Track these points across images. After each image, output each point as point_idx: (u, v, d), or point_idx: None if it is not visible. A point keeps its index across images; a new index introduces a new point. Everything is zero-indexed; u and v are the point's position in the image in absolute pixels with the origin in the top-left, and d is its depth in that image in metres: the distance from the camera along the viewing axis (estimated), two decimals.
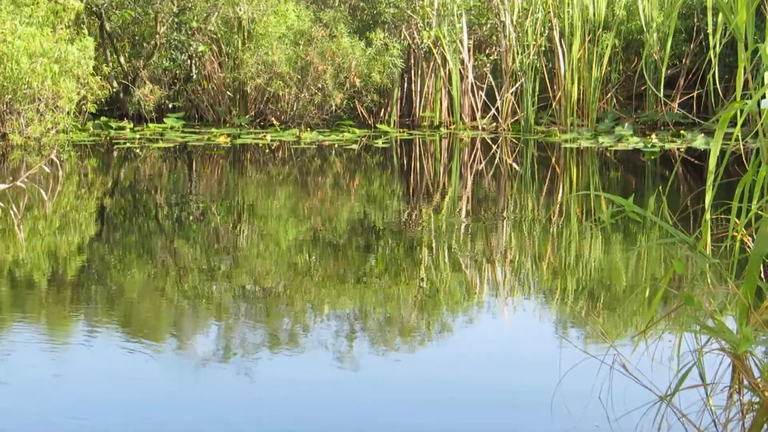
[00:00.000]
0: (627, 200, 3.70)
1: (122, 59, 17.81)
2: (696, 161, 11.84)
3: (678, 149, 14.49)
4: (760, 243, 3.15)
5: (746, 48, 3.36)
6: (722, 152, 3.63)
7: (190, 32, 16.93)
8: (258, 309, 7.25)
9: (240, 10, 16.93)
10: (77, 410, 5.00)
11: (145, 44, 18.70)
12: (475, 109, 17.59)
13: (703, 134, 12.90)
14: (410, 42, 17.68)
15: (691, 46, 16.22)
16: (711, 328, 3.24)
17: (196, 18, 16.86)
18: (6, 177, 11.87)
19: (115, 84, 17.00)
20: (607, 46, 16.92)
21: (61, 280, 8.22)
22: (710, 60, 3.84)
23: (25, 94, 14.24)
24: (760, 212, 3.34)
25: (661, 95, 16.41)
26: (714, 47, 3.72)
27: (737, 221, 3.47)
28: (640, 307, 6.82)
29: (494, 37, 16.72)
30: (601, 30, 14.72)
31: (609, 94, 17.63)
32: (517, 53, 17.38)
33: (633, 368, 3.79)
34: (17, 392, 5.20)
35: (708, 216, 3.51)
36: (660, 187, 11.95)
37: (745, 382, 3.35)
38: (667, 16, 12.80)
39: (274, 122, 17.42)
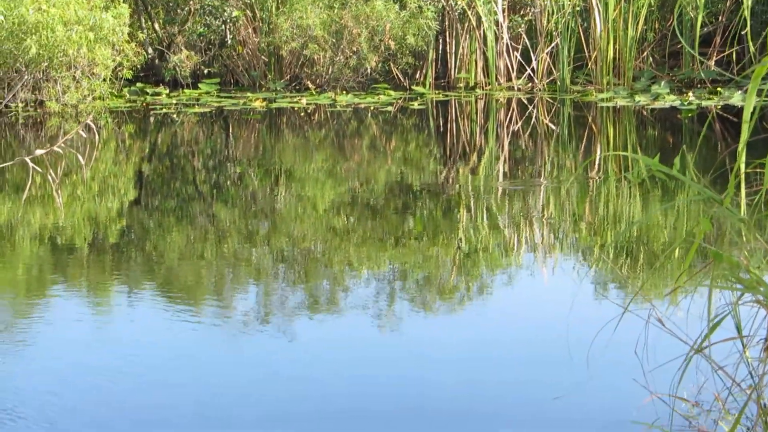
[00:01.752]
0: (653, 159, 3.56)
1: (157, 26, 17.62)
2: (733, 118, 11.89)
3: (714, 106, 14.29)
4: None
5: None
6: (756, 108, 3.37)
7: None
8: (297, 270, 7.27)
9: None
10: (118, 372, 5.05)
11: (179, 10, 18.51)
12: (510, 69, 17.29)
13: (739, 91, 12.86)
14: (444, 4, 17.24)
15: (727, 3, 15.91)
16: (746, 281, 3.13)
17: None
18: (44, 143, 12.00)
19: (150, 50, 17.07)
20: (642, 5, 16.48)
21: (101, 243, 8.31)
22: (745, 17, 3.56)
23: (61, 62, 14.25)
24: None
25: (697, 53, 16.36)
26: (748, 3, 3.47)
27: None
28: (676, 263, 6.86)
29: None
30: None
31: (645, 53, 17.21)
32: (552, 13, 17.09)
33: (668, 323, 3.75)
34: (57, 355, 5.30)
35: (743, 169, 3.32)
36: (685, 145, 12.05)
37: None
38: None
39: (310, 86, 17.27)
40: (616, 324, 3.79)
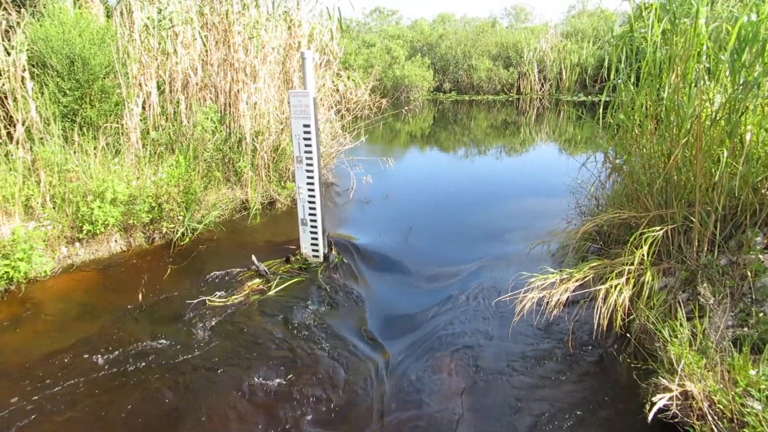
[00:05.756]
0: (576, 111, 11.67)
1: (436, 75, 22.05)
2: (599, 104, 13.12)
3: (597, 100, 14.84)
4: None
5: None
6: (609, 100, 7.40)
7: None
8: (470, 139, 12.19)
9: None
10: (416, 169, 9.47)
11: (445, 72, 22.15)
12: (538, 88, 19.64)
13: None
14: (521, 70, 21.15)
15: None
16: (600, 144, 5.17)
17: None
18: (407, 108, 18.06)
19: (436, 82, 21.97)
20: (576, 73, 20.00)
21: (419, 133, 13.20)
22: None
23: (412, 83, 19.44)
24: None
25: (589, 83, 15.44)
26: None
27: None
28: (582, 142, 11.30)
29: None
30: None
31: (577, 83, 20.03)
32: (551, 71, 20.00)
33: (579, 159, 7.05)
34: (389, 178, 8.64)
35: (600, 114, 7.22)
36: (585, 110, 13.50)
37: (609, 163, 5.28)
38: None
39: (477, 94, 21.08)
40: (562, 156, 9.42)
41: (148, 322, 4.31)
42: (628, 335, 3.62)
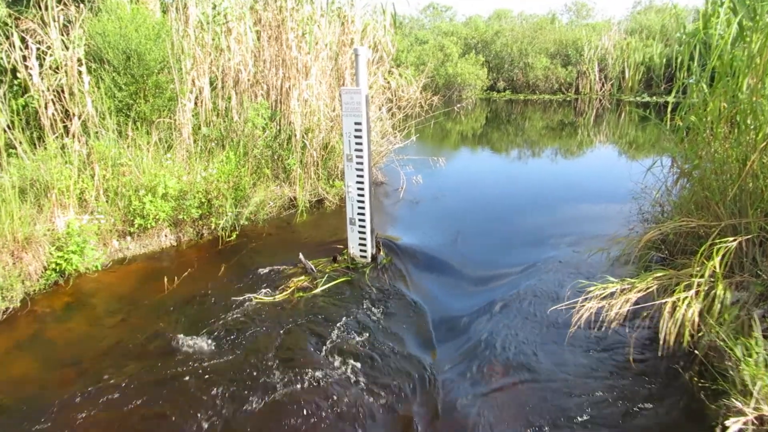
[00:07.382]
0: (640, 111, 11.12)
1: (489, 73, 21.46)
2: (664, 105, 12.57)
3: (664, 102, 14.19)
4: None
5: None
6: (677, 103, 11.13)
7: None
8: (525, 134, 12.31)
9: None
10: (460, 179, 10.19)
11: (499, 70, 22.02)
12: (599, 87, 19.08)
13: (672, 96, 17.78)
14: (580, 68, 20.07)
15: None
16: (669, 147, 5.49)
17: None
18: (458, 104, 17.88)
19: (489, 79, 20.55)
20: (640, 72, 19.10)
21: (470, 134, 13.36)
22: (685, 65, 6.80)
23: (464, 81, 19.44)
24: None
25: (661, 83, 18.10)
26: None
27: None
28: (648, 144, 11.29)
29: None
30: None
31: (641, 83, 19.55)
32: (612, 71, 14.02)
33: (644, 162, 8.67)
34: (441, 175, 9.92)
35: (668, 114, 8.41)
36: (651, 110, 13.46)
37: (676, 168, 4.91)
38: None
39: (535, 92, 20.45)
40: (623, 156, 9.29)
41: (197, 316, 4.30)
42: (695, 352, 3.45)
